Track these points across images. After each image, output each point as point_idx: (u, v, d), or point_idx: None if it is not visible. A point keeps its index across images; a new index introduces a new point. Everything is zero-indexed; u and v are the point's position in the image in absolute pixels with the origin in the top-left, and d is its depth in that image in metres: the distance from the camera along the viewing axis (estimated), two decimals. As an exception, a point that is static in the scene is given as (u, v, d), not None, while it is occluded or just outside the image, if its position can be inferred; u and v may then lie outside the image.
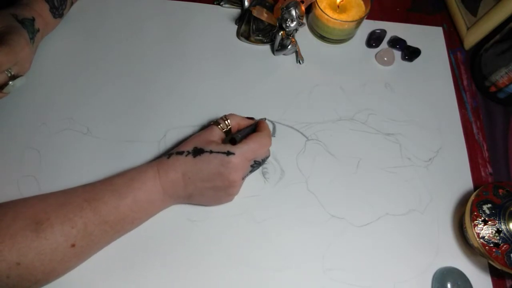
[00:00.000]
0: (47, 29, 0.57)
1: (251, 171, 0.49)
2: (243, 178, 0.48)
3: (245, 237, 0.49)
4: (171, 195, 0.46)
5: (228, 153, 0.45)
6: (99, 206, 0.43)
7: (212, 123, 0.50)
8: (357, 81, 0.62)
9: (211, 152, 0.45)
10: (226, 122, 0.49)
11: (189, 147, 0.46)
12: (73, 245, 0.41)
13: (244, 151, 0.46)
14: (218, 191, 0.47)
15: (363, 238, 0.51)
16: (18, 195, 0.48)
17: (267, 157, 0.50)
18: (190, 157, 0.45)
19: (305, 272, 0.48)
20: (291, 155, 0.55)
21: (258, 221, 0.51)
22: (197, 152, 0.45)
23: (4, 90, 0.50)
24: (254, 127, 0.51)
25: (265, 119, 0.53)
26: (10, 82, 0.49)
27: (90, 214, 0.42)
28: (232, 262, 0.48)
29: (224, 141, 0.49)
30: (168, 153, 0.47)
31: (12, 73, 0.50)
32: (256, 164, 0.49)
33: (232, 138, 0.47)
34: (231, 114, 0.50)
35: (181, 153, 0.46)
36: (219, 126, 0.49)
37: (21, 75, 0.51)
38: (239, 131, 0.50)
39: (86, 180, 0.49)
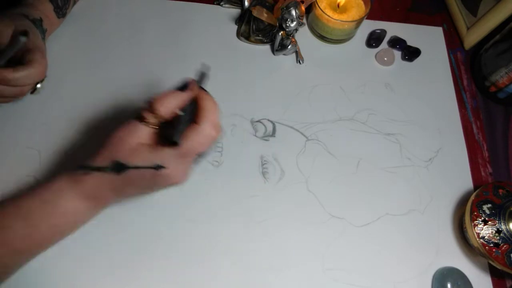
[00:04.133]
0: (51, 29, 0.57)
1: (196, 163, 0.41)
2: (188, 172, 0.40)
3: (245, 237, 0.49)
4: (98, 207, 0.41)
5: (158, 167, 0.35)
6: (9, 235, 0.37)
7: (134, 118, 0.38)
8: (357, 81, 0.62)
9: (136, 167, 0.36)
10: (155, 114, 0.37)
11: (105, 160, 0.37)
12: None
13: (179, 156, 0.36)
14: (161, 189, 0.40)
15: (363, 238, 0.51)
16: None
17: (216, 143, 0.40)
18: (113, 174, 0.36)
19: (305, 272, 0.48)
20: (291, 155, 0.55)
21: (258, 221, 0.51)
22: (119, 168, 0.36)
23: (35, 93, 0.51)
24: (195, 104, 0.39)
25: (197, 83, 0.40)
26: (39, 85, 0.50)
27: None
28: (232, 262, 0.48)
29: (160, 137, 0.39)
30: (84, 167, 0.38)
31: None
32: (201, 157, 0.40)
33: (174, 142, 0.36)
34: (156, 99, 0.37)
35: (99, 169, 0.36)
36: (143, 122, 0.37)
37: (45, 76, 0.51)
38: (179, 120, 0.37)
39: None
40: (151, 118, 0.37)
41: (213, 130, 0.37)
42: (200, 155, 0.39)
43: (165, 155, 0.36)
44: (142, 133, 0.37)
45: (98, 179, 0.38)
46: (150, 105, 0.37)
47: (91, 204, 0.40)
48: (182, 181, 0.39)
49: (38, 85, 0.50)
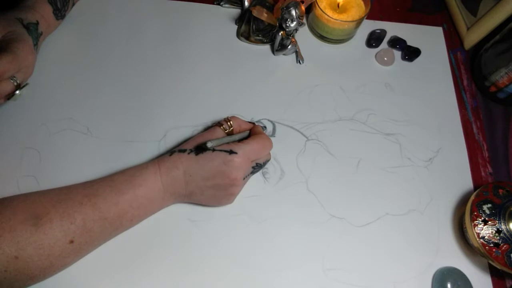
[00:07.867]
0: (49, 31, 0.57)
1: (252, 173, 0.49)
2: (244, 179, 0.48)
3: (245, 237, 0.49)
4: (171, 193, 0.47)
5: (231, 152, 0.45)
6: (99, 202, 0.43)
7: (215, 124, 0.50)
8: (357, 81, 0.62)
9: (213, 150, 0.45)
10: (229, 123, 0.50)
11: (191, 145, 0.47)
12: (71, 241, 0.41)
13: (247, 150, 0.46)
14: (219, 190, 0.47)
15: (363, 238, 0.51)
16: (18, 195, 0.48)
17: (267, 161, 0.51)
18: (192, 155, 0.46)
19: (305, 272, 0.48)
20: (291, 155, 0.55)
21: (258, 221, 0.51)
22: (200, 150, 0.46)
23: (12, 99, 0.51)
24: (249, 132, 0.51)
25: (258, 123, 0.55)
26: (17, 92, 0.50)
27: (89, 210, 0.42)
28: (232, 262, 0.48)
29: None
30: (171, 151, 0.48)
31: (18, 81, 0.50)
32: (257, 167, 0.49)
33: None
34: (233, 116, 0.51)
35: (183, 150, 0.47)
36: (221, 127, 0.49)
37: (26, 84, 0.52)
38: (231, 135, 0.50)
39: (86, 180, 0.49)
40: (225, 125, 0.49)
41: (269, 141, 0.49)
42: (257, 166, 0.49)
43: (236, 146, 0.46)
44: (218, 134, 0.48)
45: (178, 156, 0.46)
46: (227, 118, 0.50)
47: (165, 185, 0.46)
48: (239, 181, 0.46)
49: (17, 92, 0.50)
